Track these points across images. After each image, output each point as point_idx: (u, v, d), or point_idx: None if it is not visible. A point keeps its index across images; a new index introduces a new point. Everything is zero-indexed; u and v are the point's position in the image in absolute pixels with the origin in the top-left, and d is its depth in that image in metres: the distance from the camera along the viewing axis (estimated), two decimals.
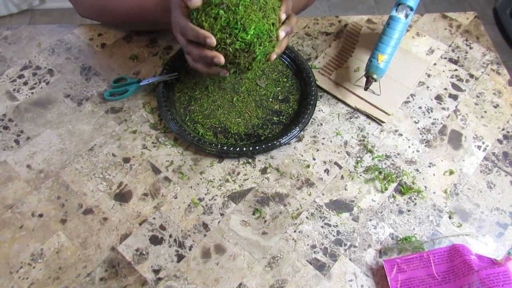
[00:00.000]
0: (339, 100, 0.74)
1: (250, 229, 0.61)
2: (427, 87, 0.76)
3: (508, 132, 0.71)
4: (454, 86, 0.76)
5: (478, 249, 0.60)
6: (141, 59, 0.77)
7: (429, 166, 0.67)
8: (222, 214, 0.62)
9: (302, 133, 0.70)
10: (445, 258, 0.56)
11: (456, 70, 0.79)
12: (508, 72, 0.79)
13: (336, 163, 0.67)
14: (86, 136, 0.68)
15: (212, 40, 0.54)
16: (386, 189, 0.65)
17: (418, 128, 0.71)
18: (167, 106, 0.68)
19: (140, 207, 0.62)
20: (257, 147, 0.65)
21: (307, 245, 0.60)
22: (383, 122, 0.71)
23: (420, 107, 0.73)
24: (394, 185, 0.65)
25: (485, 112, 0.73)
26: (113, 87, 0.72)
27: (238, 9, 0.53)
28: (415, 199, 0.64)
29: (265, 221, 0.61)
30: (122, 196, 0.63)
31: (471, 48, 0.82)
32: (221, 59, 0.56)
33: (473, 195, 0.65)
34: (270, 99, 0.73)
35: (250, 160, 0.67)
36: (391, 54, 0.70)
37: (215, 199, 0.63)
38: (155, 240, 0.59)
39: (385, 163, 0.67)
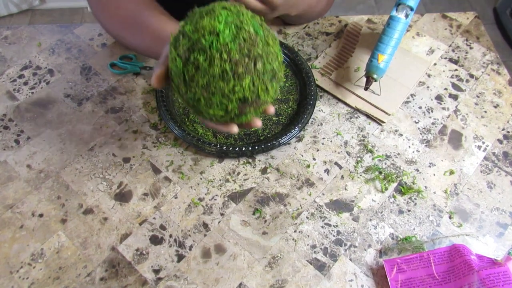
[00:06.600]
0: (339, 100, 0.74)
1: (250, 229, 0.60)
2: (427, 87, 0.76)
3: (508, 132, 0.71)
4: (454, 86, 0.76)
5: (478, 249, 0.60)
6: (141, 59, 0.77)
7: (429, 166, 0.67)
8: (222, 214, 0.62)
9: (302, 133, 0.70)
10: (445, 258, 0.56)
11: (456, 70, 0.79)
12: (508, 72, 0.78)
13: (336, 163, 0.67)
14: (86, 136, 0.68)
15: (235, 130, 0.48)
16: (386, 189, 0.65)
17: (418, 128, 0.71)
18: (166, 106, 0.68)
19: (140, 207, 0.62)
20: (256, 147, 0.65)
21: (307, 245, 0.59)
22: (383, 122, 0.71)
23: (420, 107, 0.73)
24: (394, 185, 0.65)
25: (485, 112, 0.73)
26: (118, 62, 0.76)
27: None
28: (415, 199, 0.64)
29: (265, 221, 0.61)
30: (122, 196, 0.63)
31: (471, 48, 0.82)
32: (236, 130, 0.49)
33: (473, 195, 0.65)
34: None
35: (250, 160, 0.67)
36: (391, 54, 0.70)
37: (215, 199, 0.63)
38: (155, 240, 0.59)
39: (385, 163, 0.67)
